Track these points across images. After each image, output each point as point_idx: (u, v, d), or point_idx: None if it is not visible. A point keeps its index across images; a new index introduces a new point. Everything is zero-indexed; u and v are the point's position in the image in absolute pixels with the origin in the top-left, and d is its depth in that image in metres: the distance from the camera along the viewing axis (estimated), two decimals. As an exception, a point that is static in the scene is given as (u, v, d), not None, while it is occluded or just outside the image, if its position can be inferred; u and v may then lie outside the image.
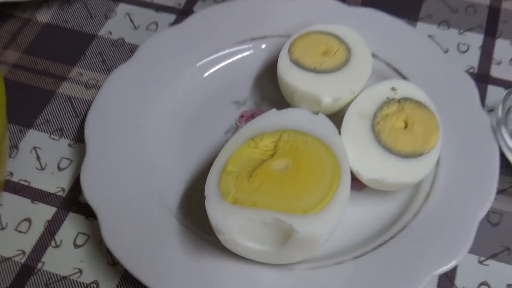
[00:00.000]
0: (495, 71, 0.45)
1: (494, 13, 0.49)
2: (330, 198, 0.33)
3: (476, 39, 0.48)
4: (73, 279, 0.35)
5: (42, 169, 0.41)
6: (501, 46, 0.47)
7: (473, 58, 0.46)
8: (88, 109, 0.42)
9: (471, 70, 0.45)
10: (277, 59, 0.42)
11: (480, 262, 0.35)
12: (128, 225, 0.36)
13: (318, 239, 0.32)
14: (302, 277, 0.35)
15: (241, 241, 0.33)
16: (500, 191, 0.38)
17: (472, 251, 0.34)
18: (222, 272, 0.35)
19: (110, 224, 0.36)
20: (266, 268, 0.35)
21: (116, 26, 0.51)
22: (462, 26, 0.49)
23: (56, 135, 0.43)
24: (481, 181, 0.37)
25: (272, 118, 0.38)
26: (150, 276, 0.34)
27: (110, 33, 0.50)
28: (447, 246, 0.34)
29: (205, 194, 0.34)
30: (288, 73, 0.40)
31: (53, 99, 0.45)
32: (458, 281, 0.34)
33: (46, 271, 0.37)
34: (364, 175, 0.35)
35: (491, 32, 0.48)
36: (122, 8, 0.52)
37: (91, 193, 0.38)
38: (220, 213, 0.32)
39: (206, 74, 0.46)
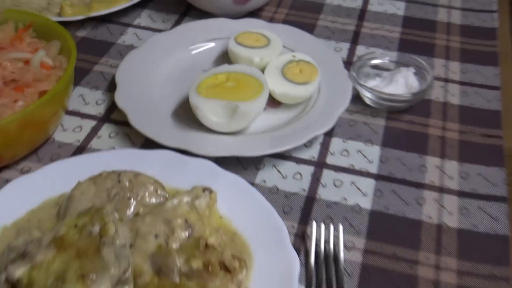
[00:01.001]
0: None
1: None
2: (257, 96, 0.55)
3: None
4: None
5: (86, 104, 0.62)
6: None
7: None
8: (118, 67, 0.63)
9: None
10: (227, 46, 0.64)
11: (343, 141, 0.57)
12: (143, 118, 0.56)
13: (251, 113, 0.54)
14: (242, 139, 0.55)
15: (208, 115, 0.54)
16: (355, 112, 0.61)
17: (338, 135, 0.58)
18: (197, 136, 0.55)
19: (133, 117, 0.55)
20: (222, 135, 0.55)
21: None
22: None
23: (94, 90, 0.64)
24: (341, 94, 0.59)
25: (226, 68, 0.59)
26: (155, 134, 0.53)
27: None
28: (321, 126, 0.55)
29: (189, 94, 0.55)
30: (234, 48, 0.62)
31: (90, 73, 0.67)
32: (331, 148, 0.56)
33: (93, 148, 0.56)
34: (277, 91, 0.58)
35: None
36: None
37: (121, 103, 0.57)
38: (197, 101, 0.54)
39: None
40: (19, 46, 0.59)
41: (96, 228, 0.41)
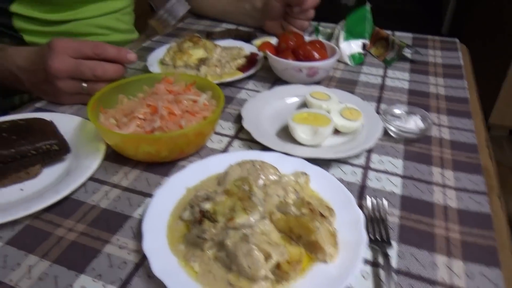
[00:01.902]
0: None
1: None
2: (328, 125, 0.60)
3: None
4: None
5: (223, 128, 0.69)
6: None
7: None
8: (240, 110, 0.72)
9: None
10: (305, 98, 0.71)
11: (378, 155, 0.63)
12: (260, 135, 0.61)
13: (325, 134, 0.59)
14: (320, 149, 0.59)
15: (300, 134, 0.59)
16: (384, 140, 0.64)
17: (375, 152, 0.63)
18: (293, 146, 0.60)
19: (254, 134, 0.61)
20: (307, 146, 0.60)
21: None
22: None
23: (226, 121, 0.71)
24: (376, 128, 0.63)
25: (306, 109, 0.64)
26: (268, 143, 0.59)
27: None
28: (366, 145, 0.61)
29: (288, 121, 0.61)
30: (310, 99, 0.68)
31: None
32: (371, 159, 0.62)
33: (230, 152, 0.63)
34: (338, 124, 0.63)
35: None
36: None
37: (247, 126, 0.63)
38: (294, 125, 0.60)
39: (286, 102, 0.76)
40: (189, 92, 0.66)
41: (246, 187, 0.47)
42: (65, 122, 0.64)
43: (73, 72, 0.66)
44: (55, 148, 0.55)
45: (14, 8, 0.87)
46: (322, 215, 0.45)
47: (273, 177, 0.52)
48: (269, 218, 0.44)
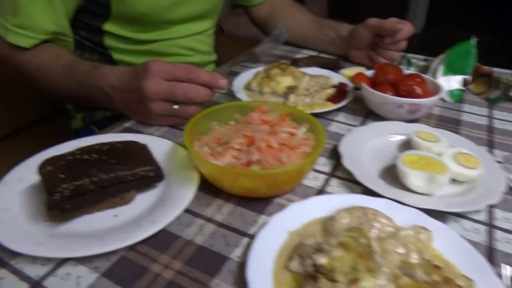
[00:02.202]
0: None
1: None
2: (445, 172, 0.54)
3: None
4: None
5: (317, 164, 0.65)
6: None
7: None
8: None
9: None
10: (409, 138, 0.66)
11: (502, 211, 0.55)
12: (362, 176, 0.56)
13: (443, 182, 0.53)
14: (435, 199, 0.53)
15: (413, 180, 0.54)
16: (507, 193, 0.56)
17: (498, 207, 0.55)
18: (402, 192, 0.54)
19: (357, 174, 0.56)
20: (419, 194, 0.54)
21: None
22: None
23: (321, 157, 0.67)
24: (499, 179, 0.56)
25: (415, 152, 0.59)
26: (375, 187, 0.53)
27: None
28: (490, 199, 0.53)
29: (397, 164, 0.55)
30: (417, 140, 0.62)
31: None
32: (496, 215, 0.54)
33: (328, 191, 0.57)
34: (453, 171, 0.57)
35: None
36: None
37: (348, 165, 0.58)
38: (406, 170, 0.54)
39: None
40: (284, 124, 0.62)
41: (363, 241, 0.41)
42: (156, 146, 0.62)
43: (167, 95, 0.66)
44: (151, 175, 0.53)
45: (107, 27, 0.90)
46: (458, 286, 0.38)
47: (388, 229, 0.46)
48: (394, 283, 0.38)
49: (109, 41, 0.93)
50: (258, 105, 0.66)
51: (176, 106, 0.68)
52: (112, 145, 0.56)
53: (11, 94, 1.10)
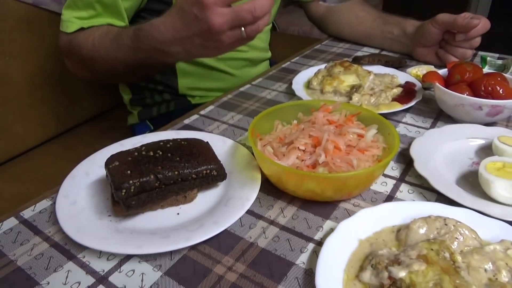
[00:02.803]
0: None
1: None
2: None
3: None
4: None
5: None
6: None
7: None
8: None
9: None
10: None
11: None
12: (436, 182, 0.52)
13: None
14: None
15: (499, 190, 0.49)
16: None
17: None
18: (485, 203, 0.50)
19: (432, 181, 0.52)
20: (506, 205, 0.49)
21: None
22: None
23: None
24: None
25: (498, 158, 0.54)
26: (452, 195, 0.49)
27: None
28: None
29: (480, 172, 0.51)
30: (500, 145, 0.57)
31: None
32: None
33: (398, 198, 0.53)
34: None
35: None
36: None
37: (421, 171, 0.54)
38: (491, 178, 0.50)
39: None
40: (351, 125, 0.60)
41: (447, 254, 0.38)
42: (217, 143, 0.62)
43: (235, 21, 0.60)
44: (214, 174, 0.53)
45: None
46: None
47: (471, 242, 0.42)
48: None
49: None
50: (323, 104, 0.64)
51: (243, 29, 0.61)
52: (176, 142, 0.56)
53: (72, 89, 1.15)
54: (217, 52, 0.67)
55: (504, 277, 0.38)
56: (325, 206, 0.53)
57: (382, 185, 0.57)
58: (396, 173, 0.59)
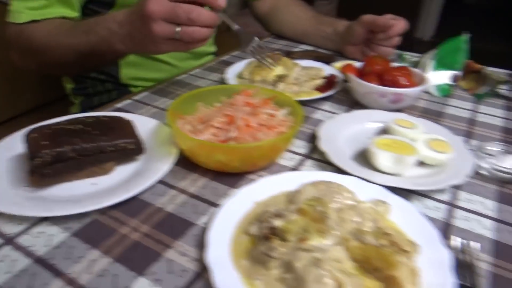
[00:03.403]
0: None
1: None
2: (414, 154, 0.55)
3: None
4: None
5: (296, 147, 0.67)
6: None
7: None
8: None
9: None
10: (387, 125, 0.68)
11: (467, 193, 0.56)
12: (336, 157, 0.58)
13: (410, 163, 0.55)
14: (401, 178, 0.55)
15: (381, 161, 0.55)
16: (473, 177, 0.58)
17: (463, 189, 0.56)
18: (370, 172, 0.56)
19: (331, 156, 0.59)
20: (386, 174, 0.56)
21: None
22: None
23: (300, 140, 0.70)
24: (466, 164, 0.57)
25: (391, 136, 0.60)
26: (346, 167, 0.55)
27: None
28: (454, 180, 0.55)
29: (369, 146, 0.57)
30: (395, 126, 0.64)
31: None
32: (459, 196, 0.56)
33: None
34: (424, 154, 0.58)
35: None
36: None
37: (323, 147, 0.60)
38: (376, 151, 0.56)
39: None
40: (266, 106, 0.64)
41: (320, 208, 0.43)
42: (143, 124, 0.65)
43: (169, 14, 0.62)
44: (131, 147, 0.56)
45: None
46: (403, 249, 0.40)
47: (349, 202, 0.48)
48: (343, 245, 0.40)
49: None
50: (244, 88, 0.69)
51: (178, 28, 0.64)
52: (97, 118, 0.59)
53: (15, 80, 1.14)
54: (151, 44, 0.69)
55: (367, 227, 0.44)
56: (234, 177, 0.57)
57: (289, 160, 0.62)
58: (304, 151, 0.65)
